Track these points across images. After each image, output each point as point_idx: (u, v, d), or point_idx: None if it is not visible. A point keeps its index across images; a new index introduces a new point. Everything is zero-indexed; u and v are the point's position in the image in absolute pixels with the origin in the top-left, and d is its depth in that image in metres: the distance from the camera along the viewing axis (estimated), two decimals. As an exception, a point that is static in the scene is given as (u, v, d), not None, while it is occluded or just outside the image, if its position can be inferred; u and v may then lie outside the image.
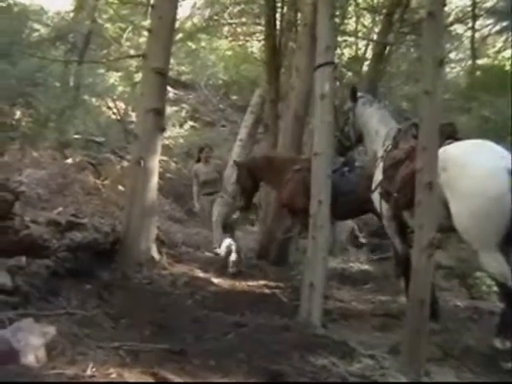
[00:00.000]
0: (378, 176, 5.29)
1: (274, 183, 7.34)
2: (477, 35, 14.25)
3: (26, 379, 2.76)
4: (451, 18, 13.41)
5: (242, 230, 10.98)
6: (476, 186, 4.11)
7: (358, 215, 7.66)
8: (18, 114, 11.36)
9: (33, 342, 3.05)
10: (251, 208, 8.59)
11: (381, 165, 5.27)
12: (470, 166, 4.20)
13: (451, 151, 4.39)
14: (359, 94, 5.99)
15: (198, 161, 8.73)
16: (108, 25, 15.82)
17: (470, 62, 14.85)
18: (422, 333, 3.79)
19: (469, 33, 14.50)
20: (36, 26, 13.84)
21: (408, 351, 3.84)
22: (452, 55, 15.76)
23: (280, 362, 3.73)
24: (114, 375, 3.04)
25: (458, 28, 14.82)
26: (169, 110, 15.11)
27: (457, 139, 4.69)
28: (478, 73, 13.36)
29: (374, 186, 5.37)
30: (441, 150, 4.06)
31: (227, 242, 7.60)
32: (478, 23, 14.07)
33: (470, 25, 14.20)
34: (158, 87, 6.59)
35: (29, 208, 5.87)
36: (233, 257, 7.34)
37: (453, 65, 16.60)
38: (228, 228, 8.33)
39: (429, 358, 4.00)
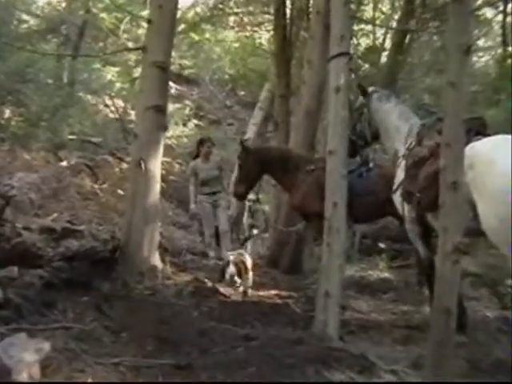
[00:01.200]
0: (400, 176, 5.27)
1: (284, 182, 7.22)
2: (508, 20, 14.09)
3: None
4: (479, 1, 13.23)
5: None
6: (505, 184, 4.09)
7: (377, 218, 7.63)
8: (7, 112, 11.44)
9: (26, 358, 3.06)
10: (246, 198, 8.35)
11: (403, 164, 5.24)
12: (499, 164, 4.18)
13: (479, 148, 4.37)
14: (372, 88, 5.99)
15: (197, 156, 8.60)
16: (104, 15, 15.82)
17: (499, 50, 14.73)
18: (448, 345, 3.77)
19: (499, 17, 14.35)
20: (25, 16, 13.93)
21: (432, 365, 3.82)
22: (480, 42, 15.65)
23: (293, 377, 3.75)
24: (114, 393, 3.06)
25: (488, 12, 14.69)
26: (171, 107, 15.19)
27: (486, 135, 4.67)
28: (509, 61, 13.26)
29: (395, 187, 5.35)
30: (468, 147, 4.04)
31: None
32: (510, 6, 13.90)
33: (500, 8, 14.00)
34: (158, 82, 6.62)
35: (20, 214, 5.91)
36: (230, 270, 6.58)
37: (481, 53, 16.49)
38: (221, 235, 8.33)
39: (455, 372, 3.98)
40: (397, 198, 5.35)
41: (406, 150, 5.27)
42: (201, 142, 8.58)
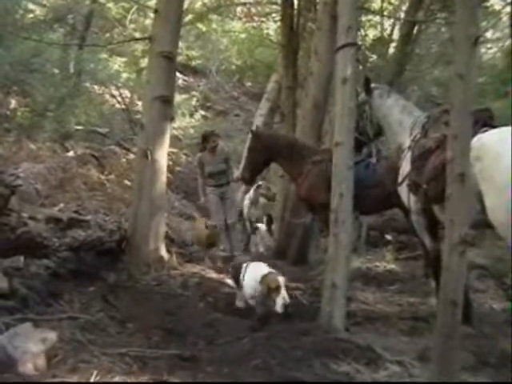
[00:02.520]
0: (406, 167, 5.25)
1: (291, 172, 7.19)
2: (517, 11, 14.01)
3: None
4: (488, -7, 13.17)
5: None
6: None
7: (384, 209, 7.60)
8: (12, 103, 11.42)
9: (31, 348, 3.06)
10: (253, 183, 8.34)
11: (409, 155, 5.23)
12: (507, 156, 4.15)
13: (486, 139, 4.34)
14: (374, 85, 5.96)
15: (203, 149, 8.48)
16: (110, 5, 15.79)
17: (508, 42, 14.64)
18: (454, 338, 3.75)
19: (508, 9, 14.26)
20: (31, 6, 13.79)
21: (438, 358, 3.80)
22: (488, 34, 15.50)
23: (299, 368, 3.74)
24: (119, 384, 3.06)
25: (496, 4, 14.60)
26: (178, 98, 15.17)
27: (493, 127, 4.63)
28: (518, 53, 13.16)
29: (400, 178, 5.34)
30: (475, 139, 4.02)
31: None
32: (519, -2, 13.81)
33: (508, 0, 13.96)
34: (165, 73, 6.60)
35: (26, 205, 5.91)
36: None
37: (489, 45, 16.39)
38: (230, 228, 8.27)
39: (462, 365, 3.96)
40: (403, 189, 5.33)
41: (412, 142, 5.25)
42: (205, 138, 8.43)
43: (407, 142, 5.33)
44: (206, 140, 8.31)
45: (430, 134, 5.11)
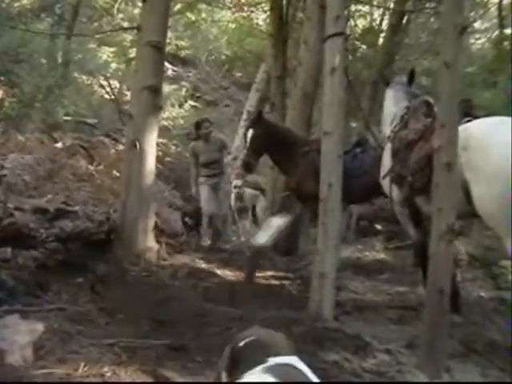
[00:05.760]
0: (386, 158, 5.31)
1: (280, 164, 7.18)
2: (504, 2, 14.06)
3: (11, 380, 2.77)
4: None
5: (246, 218, 11.01)
6: (501, 166, 4.08)
7: (372, 198, 7.62)
8: (-1, 93, 11.33)
9: (19, 340, 3.05)
10: (252, 171, 7.94)
11: (388, 145, 5.28)
12: (495, 145, 4.17)
13: (473, 129, 4.36)
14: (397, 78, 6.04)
15: (197, 138, 8.44)
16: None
17: (496, 32, 14.69)
18: (442, 326, 3.79)
19: (495, -1, 14.32)
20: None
21: (426, 345, 3.84)
22: (477, 24, 15.56)
23: (288, 357, 3.74)
24: (108, 374, 3.07)
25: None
26: (167, 88, 15.09)
27: (475, 117, 4.67)
28: (506, 43, 13.21)
29: (382, 170, 5.37)
30: (461, 128, 4.04)
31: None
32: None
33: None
34: (153, 62, 6.55)
35: (13, 196, 5.86)
36: None
37: (478, 35, 16.45)
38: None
39: (450, 353, 4.00)
40: (385, 181, 5.37)
41: (391, 132, 5.30)
42: (197, 126, 8.39)
43: (388, 133, 5.40)
44: (199, 127, 8.29)
45: (410, 125, 5.16)
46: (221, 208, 8.41)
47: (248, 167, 7.34)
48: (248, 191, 10.61)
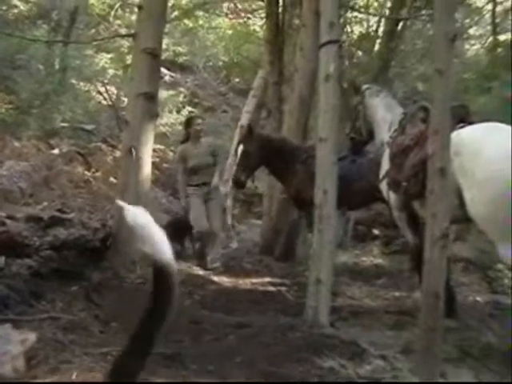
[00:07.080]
0: (385, 164, 5.33)
1: (279, 174, 7.18)
2: (498, 8, 14.09)
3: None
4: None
5: (245, 223, 11.01)
6: (493, 171, 4.09)
7: (371, 203, 7.62)
8: (-4, 100, 11.32)
9: (10, 350, 3.02)
10: (243, 187, 7.68)
11: (387, 151, 5.31)
12: (486, 150, 4.18)
13: (465, 135, 4.38)
14: (366, 85, 6.05)
15: (186, 140, 7.65)
16: (93, 1, 15.65)
17: (490, 38, 14.71)
18: (437, 330, 3.77)
19: (490, 6, 14.36)
20: (15, 1, 13.66)
21: (422, 350, 3.82)
22: (471, 31, 15.61)
23: (284, 364, 3.73)
24: (101, 383, 3.03)
25: (478, 1, 14.68)
26: (165, 94, 15.10)
27: (470, 123, 4.67)
28: (500, 49, 13.24)
29: (381, 175, 5.40)
30: (454, 134, 4.04)
31: None
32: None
33: (490, -3, 14.05)
34: (149, 69, 6.53)
35: (8, 204, 5.84)
36: None
37: (472, 41, 16.48)
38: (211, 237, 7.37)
39: (445, 358, 3.98)
40: (383, 186, 5.39)
41: (390, 138, 5.33)
42: (188, 123, 7.70)
43: (386, 138, 5.42)
44: (189, 124, 7.68)
45: (408, 130, 5.19)
46: (212, 222, 7.44)
47: (238, 184, 7.28)
48: None
